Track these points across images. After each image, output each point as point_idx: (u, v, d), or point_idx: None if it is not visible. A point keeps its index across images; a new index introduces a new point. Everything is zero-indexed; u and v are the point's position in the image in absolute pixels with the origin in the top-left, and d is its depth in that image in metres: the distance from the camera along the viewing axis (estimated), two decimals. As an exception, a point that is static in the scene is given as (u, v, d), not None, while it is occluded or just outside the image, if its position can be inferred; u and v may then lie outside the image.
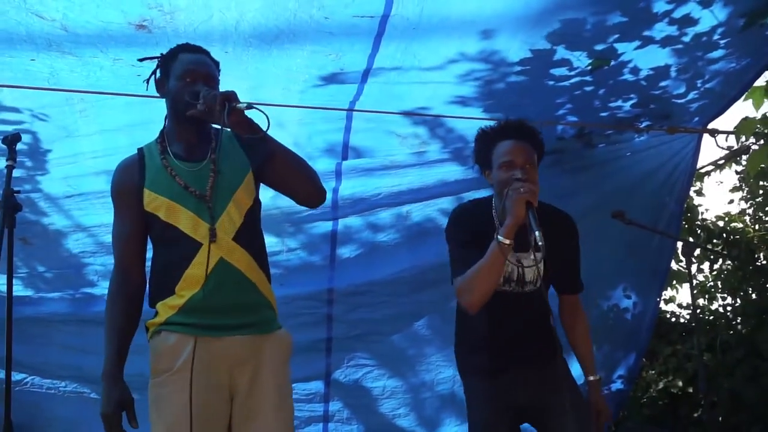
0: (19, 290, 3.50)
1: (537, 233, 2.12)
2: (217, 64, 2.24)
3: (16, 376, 3.50)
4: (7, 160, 2.25)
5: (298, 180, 2.18)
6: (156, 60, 2.24)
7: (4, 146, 2.29)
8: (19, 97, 3.01)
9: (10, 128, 3.02)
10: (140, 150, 2.20)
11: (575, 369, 2.70)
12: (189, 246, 2.03)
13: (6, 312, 2.28)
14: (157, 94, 2.24)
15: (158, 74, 2.22)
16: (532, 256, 2.40)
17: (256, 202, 2.19)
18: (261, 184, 2.24)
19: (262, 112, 2.00)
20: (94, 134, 3.24)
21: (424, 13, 2.79)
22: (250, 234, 2.11)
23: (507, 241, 2.23)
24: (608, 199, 3.88)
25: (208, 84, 2.11)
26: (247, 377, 2.03)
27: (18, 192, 2.27)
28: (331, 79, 3.15)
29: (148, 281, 2.15)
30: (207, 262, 1.99)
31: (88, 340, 3.62)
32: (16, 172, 3.10)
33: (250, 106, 2.00)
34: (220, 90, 2.10)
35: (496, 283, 2.35)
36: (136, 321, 2.09)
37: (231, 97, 1.98)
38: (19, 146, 2.34)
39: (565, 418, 2.37)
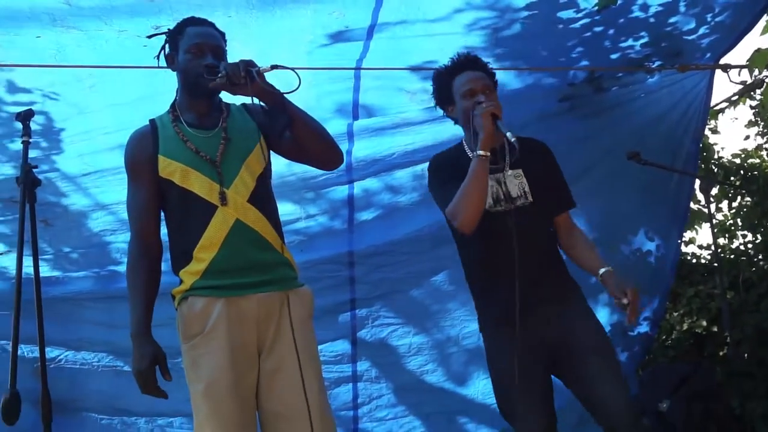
0: (46, 271, 3.53)
1: (508, 134, 2.30)
2: (223, 35, 2.27)
3: (50, 353, 3.58)
4: (22, 137, 2.27)
5: (318, 143, 2.23)
6: (164, 35, 2.27)
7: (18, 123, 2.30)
8: (29, 77, 3.03)
9: (22, 108, 3.02)
10: (152, 121, 2.25)
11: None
12: (204, 209, 2.08)
13: (35, 288, 2.31)
14: (163, 64, 2.27)
15: (167, 49, 2.26)
16: (511, 173, 2.49)
17: (267, 169, 2.24)
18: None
19: (290, 69, 2.05)
20: (105, 109, 3.25)
21: (426, -38, 2.77)
22: (263, 198, 2.17)
23: (484, 153, 2.35)
24: (623, 142, 3.85)
25: (216, 55, 2.16)
26: (272, 332, 2.09)
27: (35, 167, 2.29)
28: (337, 37, 3.14)
29: (168, 247, 2.19)
30: (224, 224, 2.07)
31: (116, 316, 3.68)
32: (34, 153, 3.17)
33: (274, 67, 2.05)
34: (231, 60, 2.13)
35: (484, 199, 2.40)
36: (157, 285, 2.15)
37: (251, 63, 2.04)
38: (34, 126, 2.36)
39: (594, 356, 2.37)
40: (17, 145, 3.06)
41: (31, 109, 2.33)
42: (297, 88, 2.07)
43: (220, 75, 2.04)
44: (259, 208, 2.13)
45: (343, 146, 3.68)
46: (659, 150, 3.99)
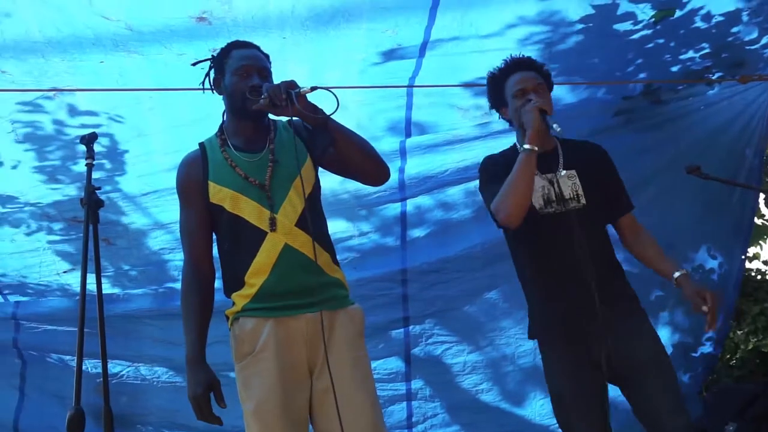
0: (107, 288, 3.65)
1: (554, 126, 2.28)
2: (267, 56, 2.31)
3: (112, 369, 3.68)
4: (86, 159, 2.33)
5: (363, 160, 2.22)
6: (209, 61, 2.32)
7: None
8: (93, 100, 3.13)
9: (88, 131, 3.12)
10: (201, 144, 2.28)
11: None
12: (255, 234, 2.11)
13: (98, 306, 2.36)
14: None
15: (212, 74, 2.29)
16: (565, 173, 2.45)
17: (316, 188, 2.25)
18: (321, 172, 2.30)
19: (329, 90, 2.07)
20: (163, 131, 3.34)
21: (478, -22, 2.77)
22: (311, 218, 2.15)
23: (531, 147, 2.32)
24: (681, 155, 3.77)
25: (262, 76, 2.20)
26: (322, 352, 2.07)
27: (98, 189, 2.34)
28: (389, 55, 3.15)
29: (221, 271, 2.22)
30: (273, 250, 2.09)
31: (174, 333, 3.71)
32: (98, 174, 3.28)
33: (314, 88, 2.06)
34: (278, 81, 2.14)
35: (529, 194, 2.35)
36: (211, 308, 2.18)
37: (293, 85, 2.06)
38: (98, 148, 2.42)
39: (653, 374, 2.31)
40: (80, 167, 3.17)
41: (94, 133, 2.38)
42: (336, 109, 2.10)
43: (263, 97, 2.07)
44: (307, 229, 2.13)
45: (396, 164, 3.70)
46: (720, 163, 3.88)
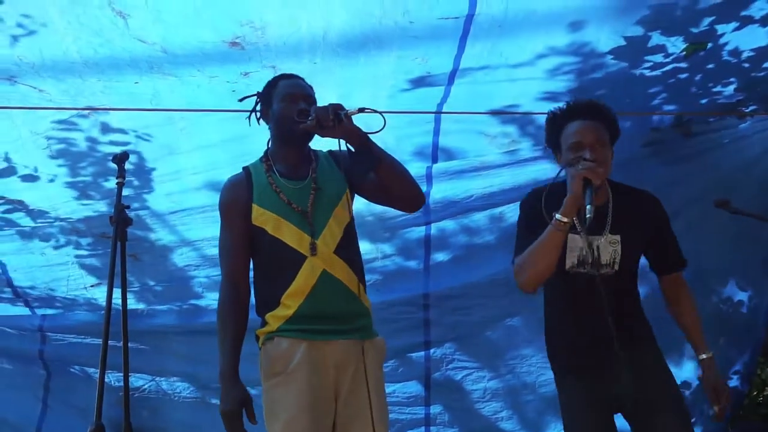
0: (132, 304, 3.69)
1: (588, 207, 2.14)
2: (311, 87, 2.41)
3: (136, 383, 3.73)
4: (117, 178, 2.38)
5: (402, 186, 2.29)
6: (255, 96, 2.41)
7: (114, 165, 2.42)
8: (125, 119, 3.20)
9: (118, 149, 3.20)
10: (246, 169, 2.36)
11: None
12: (294, 258, 2.18)
13: (122, 321, 2.40)
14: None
15: (258, 107, 2.39)
16: (608, 238, 2.36)
17: (353, 218, 2.32)
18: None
19: (377, 112, 2.13)
20: (194, 150, 3.39)
21: (509, 9, 2.78)
22: (348, 247, 2.25)
23: (564, 219, 2.21)
24: (712, 188, 3.72)
25: (308, 102, 2.28)
26: (350, 378, 2.16)
27: (128, 207, 2.39)
28: (419, 82, 3.17)
29: (252, 291, 2.30)
30: (311, 275, 2.17)
31: (198, 349, 3.81)
32: (126, 191, 3.33)
33: (361, 110, 2.12)
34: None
35: (552, 265, 2.28)
36: (245, 325, 2.23)
37: (340, 106, 2.14)
38: (127, 166, 2.47)
39: (666, 413, 2.29)
40: (111, 184, 3.23)
41: (126, 152, 2.45)
42: (382, 128, 2.15)
43: (310, 118, 2.13)
44: (344, 257, 2.22)
45: (422, 188, 3.70)
46: (751, 197, 3.83)
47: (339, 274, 2.20)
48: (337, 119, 2.09)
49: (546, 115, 2.53)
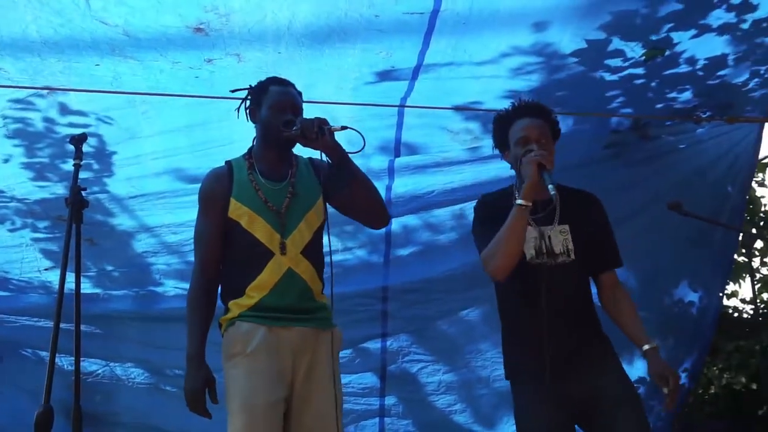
0: (88, 288, 3.64)
1: (549, 187, 2.26)
2: (300, 94, 2.50)
3: (89, 367, 3.69)
4: (74, 159, 2.36)
5: (371, 203, 2.45)
6: (246, 90, 2.49)
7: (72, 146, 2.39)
8: (85, 101, 3.15)
9: (77, 131, 3.13)
10: (228, 163, 2.47)
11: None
12: (263, 254, 2.30)
13: (75, 304, 2.38)
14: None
15: (248, 103, 2.48)
16: (558, 228, 2.45)
17: (323, 223, 2.43)
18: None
19: (357, 131, 2.32)
20: (155, 135, 3.36)
21: (473, 8, 2.82)
22: (315, 249, 2.39)
23: (525, 203, 2.32)
24: (667, 191, 3.80)
25: (295, 112, 2.39)
26: (306, 364, 2.28)
27: (84, 189, 2.37)
28: (383, 76, 3.19)
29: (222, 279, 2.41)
30: (277, 271, 2.29)
31: (154, 336, 3.79)
32: (85, 174, 3.29)
33: (344, 128, 2.29)
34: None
35: (518, 250, 2.36)
36: (213, 311, 2.37)
37: (325, 121, 2.28)
38: (86, 148, 2.46)
39: (622, 410, 2.33)
40: (69, 166, 3.17)
41: (84, 134, 2.43)
42: (362, 148, 2.35)
43: (295, 128, 2.27)
44: (310, 259, 2.35)
45: (384, 182, 3.74)
46: (705, 200, 3.94)
47: (303, 273, 2.32)
48: (320, 133, 2.23)
49: (493, 117, 2.64)
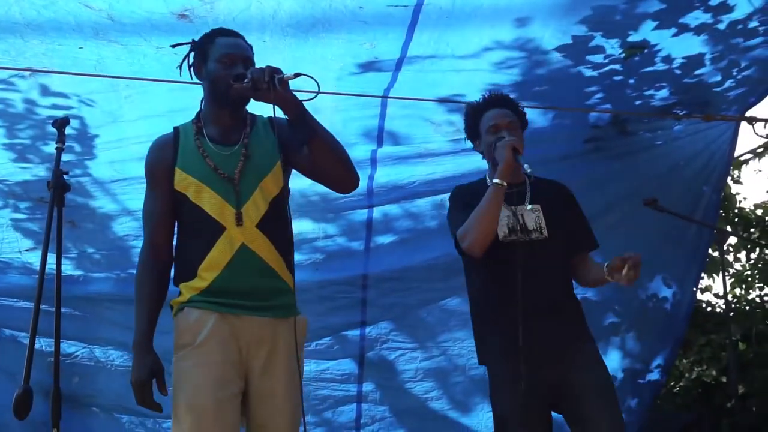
0: (69, 270, 3.65)
1: (525, 166, 2.36)
2: (251, 47, 2.27)
3: (68, 349, 3.69)
4: (56, 143, 2.36)
5: (336, 163, 2.16)
6: (189, 45, 2.28)
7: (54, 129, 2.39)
8: (68, 83, 3.15)
9: (59, 113, 3.16)
10: (176, 129, 2.25)
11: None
12: (213, 229, 2.08)
13: (56, 285, 2.39)
14: (195, 81, 2.29)
15: (191, 59, 2.25)
16: (530, 207, 2.57)
17: (283, 191, 2.20)
18: (293, 173, 2.29)
19: (311, 77, 2.02)
20: (138, 119, 3.36)
21: (456, 2, 2.85)
22: (274, 221, 2.13)
23: (501, 182, 2.43)
24: (643, 187, 3.88)
25: (246, 66, 2.15)
26: (263, 358, 2.08)
27: (66, 173, 2.37)
28: (367, 66, 3.22)
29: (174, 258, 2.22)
30: (229, 247, 2.07)
31: (133, 318, 3.78)
32: (67, 157, 3.29)
33: (297, 75, 2.03)
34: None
35: (494, 226, 2.46)
36: (164, 295, 2.18)
37: (277, 70, 2.03)
38: (69, 131, 2.44)
39: (596, 401, 2.38)
40: (50, 148, 3.18)
41: (67, 117, 2.40)
42: (316, 95, 2.07)
43: (246, 81, 2.04)
44: (268, 233, 2.11)
45: (366, 171, 3.77)
46: (680, 197, 4.01)
47: (259, 250, 2.10)
48: (272, 83, 1.99)
49: (457, 107, 2.73)
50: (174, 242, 2.24)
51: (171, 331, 2.16)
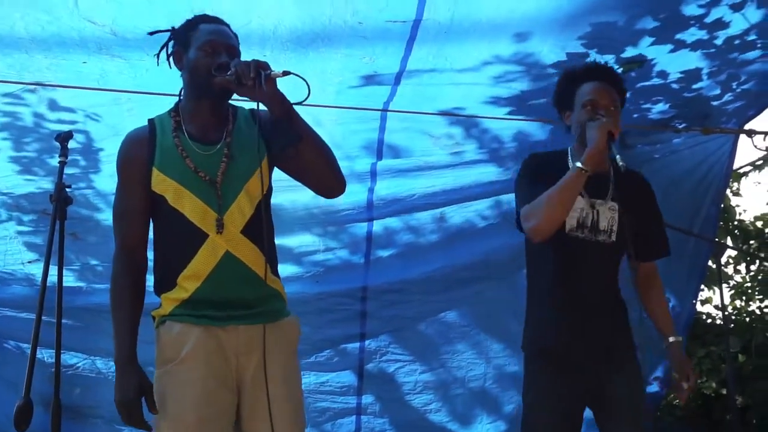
0: (71, 281, 3.68)
1: (617, 157, 2.12)
2: (236, 36, 2.11)
3: (70, 360, 3.71)
4: (59, 157, 2.38)
5: (323, 166, 2.03)
6: (169, 32, 2.13)
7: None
8: (73, 97, 3.20)
9: (66, 127, 3.19)
10: (151, 122, 2.06)
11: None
12: (194, 236, 1.93)
13: (57, 297, 2.41)
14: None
15: (170, 47, 2.11)
16: (608, 204, 2.35)
17: (269, 192, 2.08)
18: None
19: (301, 77, 1.88)
20: (141, 133, 3.39)
21: (455, 17, 2.88)
22: (259, 225, 1.97)
23: (585, 168, 2.17)
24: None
25: (230, 54, 2.00)
26: (253, 367, 1.94)
27: (69, 186, 2.39)
28: (367, 80, 3.25)
29: (153, 266, 2.06)
30: (212, 256, 1.93)
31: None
32: (72, 170, 3.33)
33: (286, 73, 1.90)
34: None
35: (566, 214, 2.26)
36: (142, 302, 2.02)
37: (264, 65, 1.89)
38: (74, 145, 2.46)
39: (621, 414, 2.32)
40: (56, 161, 3.20)
41: (70, 132, 2.40)
42: (307, 98, 1.92)
43: (229, 72, 1.89)
44: (253, 238, 1.97)
45: (366, 184, 3.81)
46: (679, 210, 4.02)
47: (244, 256, 1.95)
48: (257, 79, 1.84)
49: (560, 74, 2.54)
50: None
51: (153, 341, 2.06)
